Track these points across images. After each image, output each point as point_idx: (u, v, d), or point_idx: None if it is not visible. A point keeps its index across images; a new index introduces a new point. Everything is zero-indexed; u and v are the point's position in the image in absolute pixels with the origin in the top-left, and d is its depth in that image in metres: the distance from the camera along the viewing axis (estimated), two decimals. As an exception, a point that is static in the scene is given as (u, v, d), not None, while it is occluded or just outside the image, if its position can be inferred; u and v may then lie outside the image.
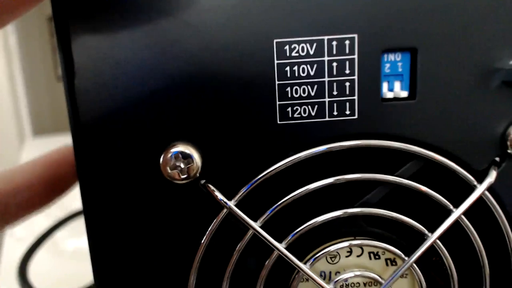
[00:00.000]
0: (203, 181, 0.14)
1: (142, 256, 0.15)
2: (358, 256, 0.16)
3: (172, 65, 0.14)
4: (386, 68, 0.14)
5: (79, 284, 0.36)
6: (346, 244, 0.16)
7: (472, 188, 0.15)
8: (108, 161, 0.14)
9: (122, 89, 0.13)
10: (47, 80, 1.19)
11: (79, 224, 0.45)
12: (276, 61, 0.14)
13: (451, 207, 0.15)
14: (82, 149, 0.14)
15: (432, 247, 0.15)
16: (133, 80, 0.13)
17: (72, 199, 0.22)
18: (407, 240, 0.16)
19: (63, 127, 1.13)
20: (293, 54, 0.14)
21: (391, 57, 0.14)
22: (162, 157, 0.14)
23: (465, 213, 0.15)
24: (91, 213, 0.14)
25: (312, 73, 0.14)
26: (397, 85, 0.14)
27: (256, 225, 0.15)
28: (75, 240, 0.45)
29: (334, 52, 0.14)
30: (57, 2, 0.13)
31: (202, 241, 0.15)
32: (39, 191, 0.18)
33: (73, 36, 0.13)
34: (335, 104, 0.14)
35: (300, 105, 0.14)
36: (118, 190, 0.14)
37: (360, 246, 0.16)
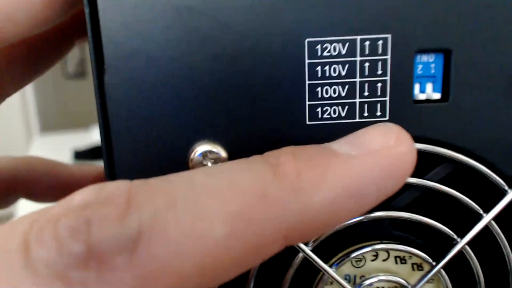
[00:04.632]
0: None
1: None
2: (384, 260, 0.16)
3: (203, 63, 0.13)
4: (419, 69, 0.14)
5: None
6: (371, 248, 0.15)
7: (503, 193, 0.15)
8: (136, 159, 0.14)
9: (152, 86, 0.13)
10: (54, 78, 1.19)
11: None
12: (307, 61, 0.14)
13: (481, 212, 0.15)
14: (110, 146, 0.14)
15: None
16: (163, 77, 0.13)
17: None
18: (432, 245, 0.16)
19: (70, 124, 1.14)
20: (325, 53, 0.14)
21: (424, 58, 0.14)
22: (190, 155, 0.14)
23: (494, 218, 0.15)
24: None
25: (343, 73, 0.14)
26: (429, 86, 0.14)
27: (282, 227, 0.15)
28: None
29: (367, 52, 0.14)
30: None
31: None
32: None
33: (104, 32, 0.13)
34: (366, 105, 0.14)
35: (330, 105, 0.14)
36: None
37: (386, 250, 0.16)
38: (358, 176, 0.10)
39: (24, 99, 1.02)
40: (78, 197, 0.09)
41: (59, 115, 1.12)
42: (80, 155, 0.89)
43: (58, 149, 0.89)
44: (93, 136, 0.97)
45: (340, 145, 0.11)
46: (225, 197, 0.10)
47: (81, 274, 0.09)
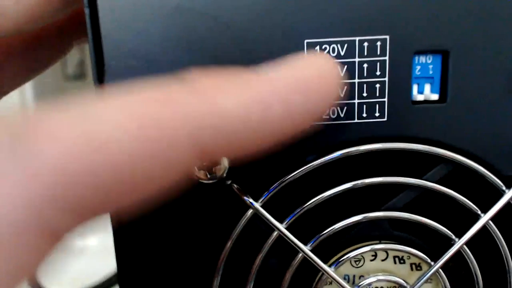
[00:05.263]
0: (229, 182, 0.14)
1: (165, 255, 0.15)
2: (382, 260, 0.16)
3: (202, 63, 0.13)
4: (417, 70, 0.14)
5: (87, 282, 0.36)
6: (370, 248, 0.15)
7: (501, 193, 0.15)
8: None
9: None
10: (54, 80, 1.19)
11: (87, 223, 0.45)
12: (306, 62, 0.14)
13: (479, 212, 0.15)
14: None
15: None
16: (163, 77, 0.13)
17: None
18: (431, 245, 0.16)
19: (70, 126, 1.13)
20: (324, 54, 0.14)
21: (422, 59, 0.14)
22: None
23: (492, 218, 0.15)
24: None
25: (342, 74, 0.14)
26: (427, 87, 0.14)
27: (282, 227, 0.15)
28: (83, 238, 0.45)
29: (365, 53, 0.14)
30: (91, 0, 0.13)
31: (227, 242, 0.15)
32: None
33: (104, 32, 0.13)
34: (364, 106, 0.14)
35: (329, 106, 0.14)
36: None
37: (385, 250, 0.16)
38: (270, 88, 0.10)
39: (24, 101, 1.01)
40: None
41: (58, 116, 1.11)
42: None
43: (58, 150, 0.88)
44: (92, 137, 0.96)
45: (260, 68, 0.11)
46: (128, 104, 0.09)
47: None
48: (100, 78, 0.13)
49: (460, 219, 0.15)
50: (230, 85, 0.10)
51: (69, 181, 0.08)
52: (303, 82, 0.10)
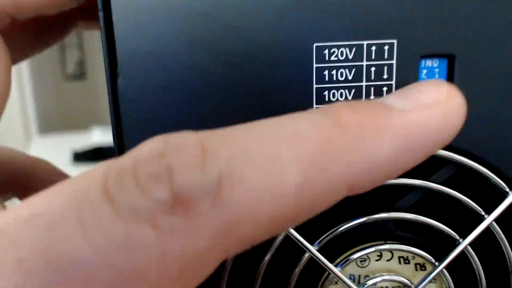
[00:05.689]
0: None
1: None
2: (387, 260, 0.16)
3: (213, 66, 0.14)
4: (423, 74, 0.14)
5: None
6: (375, 248, 0.16)
7: (504, 195, 0.15)
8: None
9: (164, 89, 0.14)
10: (54, 79, 1.19)
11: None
12: (315, 65, 0.14)
13: (483, 213, 0.15)
14: (123, 149, 0.14)
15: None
16: (175, 80, 0.14)
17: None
18: (435, 246, 0.16)
19: (69, 125, 1.14)
20: (332, 58, 0.14)
21: (429, 63, 0.14)
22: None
23: (496, 219, 0.15)
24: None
25: (350, 77, 0.14)
26: (433, 91, 0.15)
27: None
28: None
29: (373, 57, 0.14)
30: (104, 2, 0.13)
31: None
32: None
33: (118, 35, 0.13)
34: (371, 109, 0.14)
35: (337, 108, 0.14)
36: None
37: (390, 251, 0.16)
38: (416, 128, 0.10)
39: (23, 100, 1.02)
40: (147, 147, 0.09)
41: (58, 116, 1.12)
42: (79, 156, 0.89)
43: (57, 150, 0.89)
44: (92, 137, 0.97)
45: (394, 100, 0.11)
46: (295, 144, 0.09)
47: (169, 219, 0.08)
48: (113, 80, 0.13)
49: (465, 220, 0.16)
50: (375, 123, 0.10)
51: (253, 229, 0.09)
52: (442, 126, 0.11)
